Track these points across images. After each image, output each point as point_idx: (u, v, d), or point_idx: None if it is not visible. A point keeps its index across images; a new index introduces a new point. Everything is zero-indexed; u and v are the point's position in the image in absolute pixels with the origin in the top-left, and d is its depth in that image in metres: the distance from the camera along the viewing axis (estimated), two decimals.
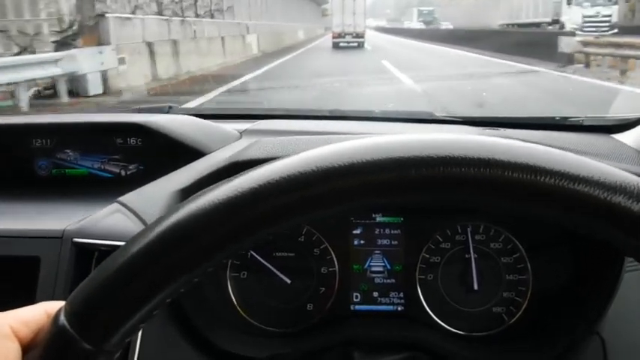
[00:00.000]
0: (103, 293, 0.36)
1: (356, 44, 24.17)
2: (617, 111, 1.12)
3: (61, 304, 0.38)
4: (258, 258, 0.87)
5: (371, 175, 0.36)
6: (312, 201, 0.36)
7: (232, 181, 0.37)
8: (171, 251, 0.36)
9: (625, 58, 10.40)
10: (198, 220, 0.36)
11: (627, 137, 1.01)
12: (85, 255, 0.71)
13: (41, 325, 0.39)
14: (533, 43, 14.35)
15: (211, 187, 0.38)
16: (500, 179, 0.35)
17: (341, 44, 24.22)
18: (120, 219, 0.74)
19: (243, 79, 10.66)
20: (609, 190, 0.34)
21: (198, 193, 0.38)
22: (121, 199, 0.78)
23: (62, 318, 0.37)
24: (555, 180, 0.35)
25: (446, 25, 49.29)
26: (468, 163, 0.35)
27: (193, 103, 6.00)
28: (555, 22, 25.90)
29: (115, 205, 0.77)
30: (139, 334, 0.67)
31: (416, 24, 66.67)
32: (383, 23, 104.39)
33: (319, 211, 0.37)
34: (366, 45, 25.16)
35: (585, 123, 1.12)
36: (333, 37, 24.80)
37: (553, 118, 1.17)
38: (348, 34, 24.78)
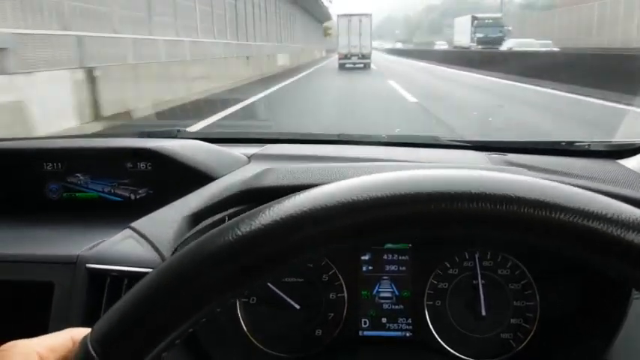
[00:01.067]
0: (130, 321, 0.37)
1: (362, 65, 24.39)
2: (624, 135, 1.13)
3: (87, 330, 0.39)
4: (268, 284, 0.87)
5: (398, 208, 0.37)
6: (336, 235, 0.37)
7: (263, 210, 0.38)
8: (197, 281, 0.37)
9: None
10: (225, 251, 0.37)
11: (633, 163, 1.01)
12: (98, 280, 0.72)
13: (67, 352, 0.40)
14: None
15: (240, 216, 0.39)
16: (515, 215, 0.36)
17: (347, 65, 24.45)
18: (132, 245, 0.75)
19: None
20: (619, 227, 0.35)
21: (225, 223, 0.39)
22: (133, 224, 0.79)
23: (87, 345, 0.37)
24: (567, 216, 0.35)
25: (544, 45, 21.24)
26: (484, 199, 0.36)
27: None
28: None
29: (127, 231, 0.78)
30: None
31: (466, 40, 37.13)
32: (395, 44, 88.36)
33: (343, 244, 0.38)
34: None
35: (591, 148, 1.12)
36: (340, 59, 25.08)
37: (559, 142, 1.18)
38: (354, 55, 25.03)
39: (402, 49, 57.45)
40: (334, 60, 28.75)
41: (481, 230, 0.37)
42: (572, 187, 0.38)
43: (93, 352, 0.36)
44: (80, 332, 0.40)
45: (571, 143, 1.17)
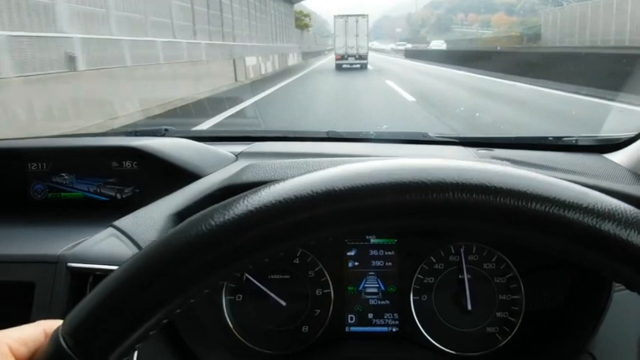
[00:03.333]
0: (101, 313, 0.37)
1: (359, 66, 24.45)
2: (610, 130, 1.13)
3: (59, 322, 0.39)
4: (254, 281, 0.87)
5: (357, 200, 0.37)
6: (300, 227, 0.37)
7: (225, 205, 0.38)
8: (166, 273, 0.37)
9: None
10: (192, 242, 0.37)
11: (619, 157, 1.01)
12: (80, 279, 0.71)
13: (39, 345, 0.39)
14: None
15: (205, 210, 0.39)
16: (500, 206, 0.36)
17: (344, 66, 24.50)
18: (114, 243, 0.74)
19: None
20: (595, 217, 0.35)
21: (193, 216, 0.39)
22: (116, 223, 0.78)
23: (60, 337, 0.37)
24: (546, 207, 0.35)
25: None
26: (473, 189, 0.36)
27: None
28: None
29: (109, 230, 0.77)
30: (135, 356, 0.67)
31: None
32: (397, 45, 71.56)
33: (308, 236, 0.38)
34: None
35: (578, 143, 1.13)
36: (337, 59, 25.15)
37: (546, 138, 1.18)
38: (351, 55, 25.10)
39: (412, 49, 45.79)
40: (315, 76, 18.73)
41: (442, 220, 0.36)
42: (545, 177, 0.38)
43: (64, 345, 0.36)
44: (52, 325, 0.40)
45: (558, 138, 1.17)
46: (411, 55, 34.91)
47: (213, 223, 0.37)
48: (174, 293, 0.37)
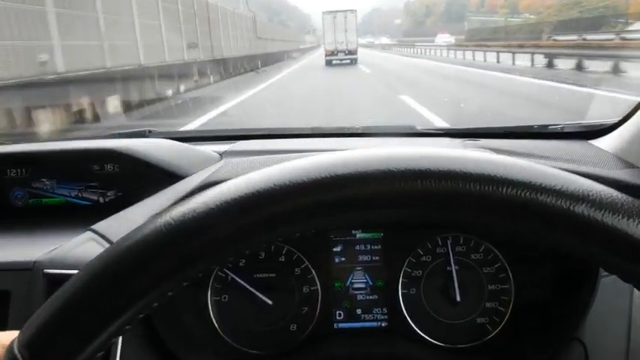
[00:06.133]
0: (56, 322, 0.35)
1: (349, 61, 24.46)
2: (594, 117, 1.13)
3: (14, 334, 0.37)
4: (239, 280, 0.86)
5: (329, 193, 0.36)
6: (277, 220, 0.36)
7: (189, 200, 0.37)
8: (124, 278, 0.35)
9: None
10: (152, 244, 0.35)
11: (604, 142, 1.01)
12: (57, 286, 0.70)
13: None
14: None
15: (167, 208, 0.38)
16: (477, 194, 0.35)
17: (334, 62, 24.50)
18: (93, 247, 0.73)
19: None
20: (568, 199, 0.34)
21: (153, 215, 0.38)
22: (94, 226, 0.77)
23: (15, 350, 0.35)
24: (529, 193, 0.34)
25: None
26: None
27: None
28: None
29: (87, 234, 0.76)
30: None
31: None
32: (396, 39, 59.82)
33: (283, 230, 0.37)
34: None
35: (563, 130, 1.12)
36: (326, 55, 25.19)
37: (532, 126, 1.17)
38: (341, 51, 25.16)
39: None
40: None
41: (405, 210, 0.35)
42: (515, 159, 0.37)
43: (20, 357, 0.35)
44: (7, 336, 0.39)
45: (544, 126, 1.17)
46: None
47: (172, 221, 0.35)
48: (133, 299, 0.35)
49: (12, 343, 0.36)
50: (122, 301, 0.35)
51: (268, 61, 24.30)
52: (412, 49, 34.16)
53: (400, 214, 0.36)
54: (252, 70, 19.34)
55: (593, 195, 0.34)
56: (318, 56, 30.14)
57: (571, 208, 0.33)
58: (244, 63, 19.14)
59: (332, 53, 25.13)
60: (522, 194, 0.34)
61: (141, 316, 0.37)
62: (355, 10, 27.55)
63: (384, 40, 65.29)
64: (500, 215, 0.35)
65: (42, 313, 0.36)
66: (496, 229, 0.36)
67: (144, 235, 0.36)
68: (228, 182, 0.37)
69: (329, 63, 24.44)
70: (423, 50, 30.84)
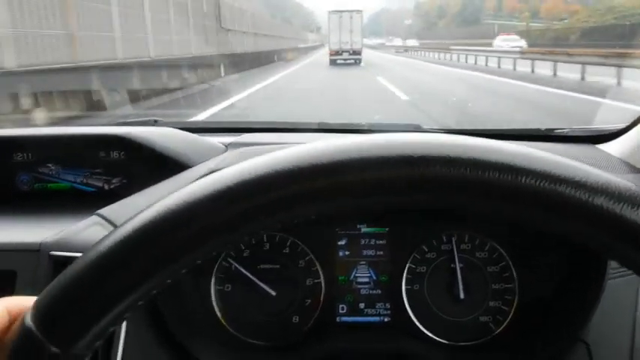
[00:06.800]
0: (70, 295, 0.36)
1: (352, 61, 24.50)
2: (602, 122, 1.13)
3: (21, 299, 0.38)
4: (243, 270, 0.86)
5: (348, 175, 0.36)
6: (277, 205, 0.36)
7: (195, 184, 0.37)
8: (137, 254, 0.36)
9: None
10: (164, 223, 0.36)
11: (611, 147, 1.01)
12: (62, 268, 0.70)
13: (3, 324, 0.38)
14: None
15: (179, 191, 0.38)
16: (494, 182, 0.35)
17: (338, 61, 24.55)
18: (98, 231, 0.73)
19: None
20: (596, 194, 0.34)
21: (164, 197, 0.38)
22: (100, 211, 0.77)
23: (29, 320, 0.36)
24: (539, 181, 0.34)
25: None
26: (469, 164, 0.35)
27: None
28: None
29: (93, 218, 0.76)
30: (120, 347, 0.66)
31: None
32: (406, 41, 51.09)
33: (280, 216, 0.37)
34: None
35: (570, 134, 1.12)
36: (331, 55, 25.27)
37: (538, 129, 1.18)
38: (345, 51, 25.24)
39: None
40: None
41: (426, 196, 0.36)
42: (537, 151, 0.37)
43: (34, 328, 0.35)
44: (16, 303, 0.39)
45: (551, 130, 1.17)
46: None
47: (185, 202, 0.36)
48: (144, 275, 0.36)
49: (24, 315, 0.37)
50: (130, 279, 0.36)
51: (242, 64, 16.35)
52: (446, 55, 25.37)
53: (421, 201, 0.36)
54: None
55: (612, 187, 0.34)
56: (319, 63, 25.45)
57: (590, 199, 0.34)
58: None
59: (336, 53, 25.21)
60: (542, 184, 0.34)
61: (148, 297, 0.37)
62: (361, 11, 27.66)
63: (409, 43, 50.05)
64: (519, 205, 0.35)
65: (55, 286, 0.36)
66: (512, 218, 0.36)
67: (149, 217, 0.36)
68: (231, 167, 0.38)
69: (333, 62, 24.49)
70: (470, 58, 20.82)
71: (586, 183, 0.34)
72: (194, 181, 0.79)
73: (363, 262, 0.88)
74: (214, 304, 0.86)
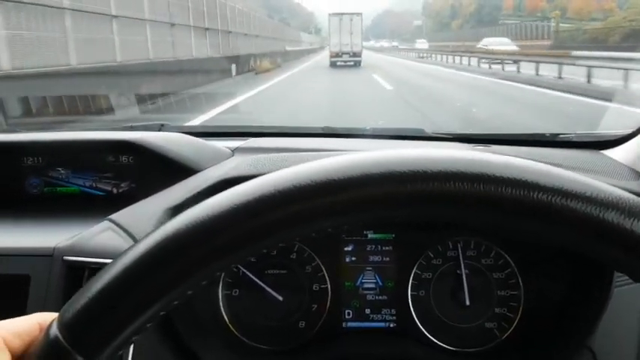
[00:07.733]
0: (96, 305, 0.36)
1: (352, 63, 24.53)
2: (607, 127, 1.13)
3: (54, 315, 0.38)
4: (250, 275, 0.86)
5: (362, 190, 0.37)
6: (302, 217, 0.37)
7: (220, 196, 0.38)
8: (162, 265, 0.36)
9: None
10: (188, 235, 0.36)
11: (616, 153, 1.01)
12: (76, 273, 0.71)
13: (34, 337, 0.39)
14: None
15: (202, 203, 0.38)
16: (496, 196, 0.35)
17: (338, 63, 24.58)
18: (111, 236, 0.73)
19: None
20: (604, 207, 0.35)
21: (189, 209, 0.39)
22: (112, 216, 0.78)
23: (55, 329, 0.37)
24: (549, 197, 0.35)
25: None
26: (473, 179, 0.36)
27: None
28: None
29: (105, 223, 0.76)
30: (130, 352, 0.66)
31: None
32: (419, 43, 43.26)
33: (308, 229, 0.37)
34: None
35: (575, 139, 1.12)
36: (331, 57, 25.32)
37: (543, 134, 1.18)
38: (346, 53, 25.28)
39: None
40: None
41: (434, 210, 0.36)
42: (546, 166, 0.37)
43: (60, 337, 0.36)
44: (47, 317, 0.40)
45: (555, 135, 1.17)
46: None
47: (210, 214, 0.37)
48: (170, 286, 0.37)
49: (51, 323, 0.37)
50: (156, 291, 0.37)
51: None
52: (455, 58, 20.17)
53: (435, 215, 0.37)
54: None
55: (623, 203, 0.35)
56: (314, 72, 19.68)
57: (601, 215, 0.34)
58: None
59: (337, 55, 25.25)
60: (553, 200, 0.35)
61: (177, 303, 0.38)
62: (361, 14, 27.76)
63: (418, 45, 41.87)
64: (530, 220, 0.36)
65: (82, 296, 0.37)
66: (523, 233, 0.37)
67: (184, 223, 0.37)
68: (256, 180, 0.39)
69: (334, 64, 24.53)
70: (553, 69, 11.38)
71: (597, 198, 0.35)
72: (204, 188, 0.80)
73: (370, 268, 0.88)
74: (222, 308, 0.86)
